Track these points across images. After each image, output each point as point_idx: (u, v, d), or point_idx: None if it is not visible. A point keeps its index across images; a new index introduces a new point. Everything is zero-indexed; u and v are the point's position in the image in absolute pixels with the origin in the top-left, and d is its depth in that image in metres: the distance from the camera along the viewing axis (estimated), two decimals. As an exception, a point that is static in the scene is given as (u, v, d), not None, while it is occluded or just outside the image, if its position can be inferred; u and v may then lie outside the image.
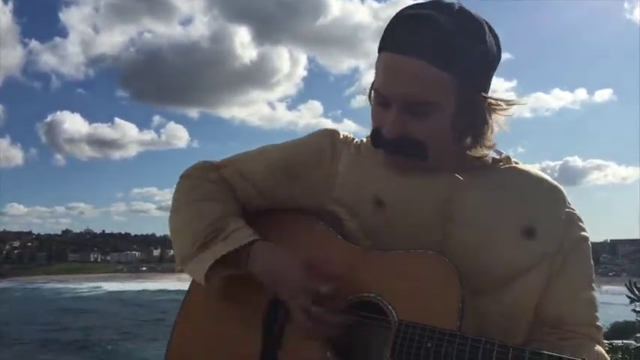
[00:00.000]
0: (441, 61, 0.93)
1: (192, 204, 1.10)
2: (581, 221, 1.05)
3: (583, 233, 1.04)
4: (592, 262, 1.05)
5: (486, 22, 0.99)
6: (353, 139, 1.13)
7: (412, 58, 0.94)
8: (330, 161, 1.09)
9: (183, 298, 1.16)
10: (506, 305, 0.98)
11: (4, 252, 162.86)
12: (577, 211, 1.05)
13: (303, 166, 1.10)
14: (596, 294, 1.03)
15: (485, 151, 1.03)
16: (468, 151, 1.03)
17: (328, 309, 0.95)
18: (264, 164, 1.13)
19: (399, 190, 1.03)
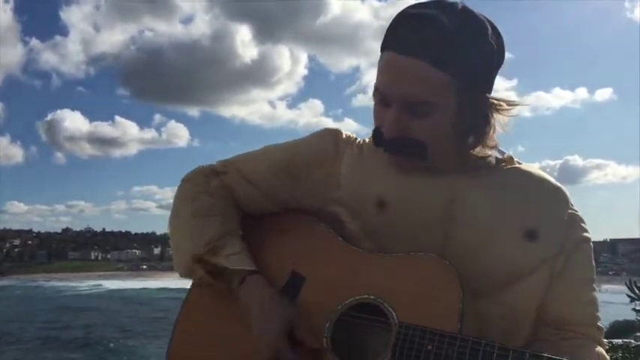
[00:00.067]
0: (442, 61, 0.93)
1: (192, 218, 1.11)
2: (584, 222, 1.05)
3: (585, 234, 1.04)
4: (593, 262, 1.05)
5: (490, 22, 0.98)
6: (355, 138, 1.12)
7: (413, 58, 0.93)
8: (332, 161, 1.09)
9: (185, 297, 1.16)
10: (507, 307, 0.98)
11: (5, 250, 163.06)
12: (579, 212, 1.05)
13: (306, 166, 1.10)
14: (598, 294, 1.04)
15: (488, 152, 1.03)
16: (470, 152, 1.03)
17: None
18: (266, 165, 1.13)
19: (402, 191, 1.02)
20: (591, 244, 1.05)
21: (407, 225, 1.00)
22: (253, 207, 1.14)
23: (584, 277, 1.03)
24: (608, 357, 0.99)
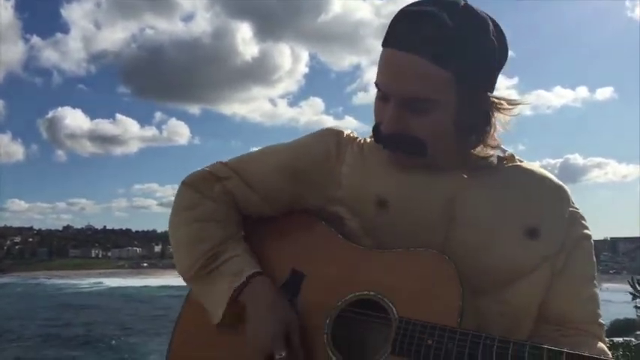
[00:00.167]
0: (442, 58, 0.92)
1: (194, 222, 1.10)
2: (585, 220, 1.05)
3: (586, 231, 1.04)
4: (594, 259, 1.05)
5: (492, 20, 0.98)
6: (356, 137, 1.12)
7: (411, 54, 0.93)
8: (334, 161, 1.08)
9: (186, 295, 1.16)
10: (507, 305, 0.98)
11: (5, 247, 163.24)
12: (580, 210, 1.05)
13: (308, 167, 1.09)
14: (598, 291, 1.04)
15: (490, 151, 1.03)
16: (472, 151, 1.02)
17: None
18: (267, 167, 1.12)
19: (403, 189, 1.02)
20: (592, 241, 1.05)
21: (407, 224, 1.00)
22: (252, 210, 1.14)
23: (585, 274, 1.03)
24: (609, 353, 0.98)
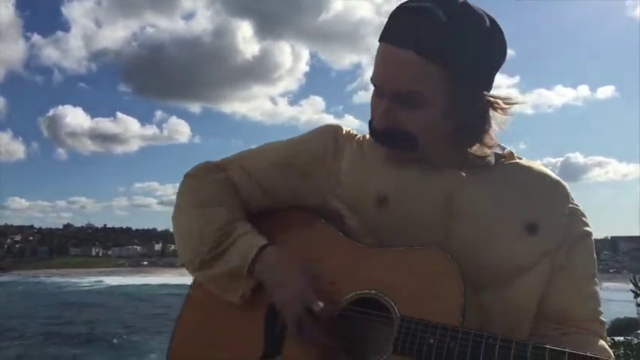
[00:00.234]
0: (431, 53, 0.92)
1: (199, 207, 1.10)
2: (585, 216, 1.05)
3: (586, 228, 1.04)
4: (595, 256, 1.05)
5: (490, 18, 0.97)
6: (355, 134, 1.12)
7: (402, 48, 0.94)
8: (332, 158, 1.09)
9: (187, 294, 1.16)
10: (508, 301, 0.97)
11: (6, 246, 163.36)
12: (580, 207, 1.05)
13: (307, 163, 1.10)
14: (599, 289, 1.03)
15: (487, 151, 1.02)
16: (469, 150, 1.02)
17: (317, 325, 0.94)
18: (267, 162, 1.13)
19: (402, 186, 1.02)
20: (592, 238, 1.04)
21: (407, 221, 1.00)
22: (254, 204, 1.14)
23: (585, 271, 1.02)
24: (611, 352, 0.98)
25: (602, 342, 0.99)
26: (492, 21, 0.97)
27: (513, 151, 1.07)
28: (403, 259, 0.96)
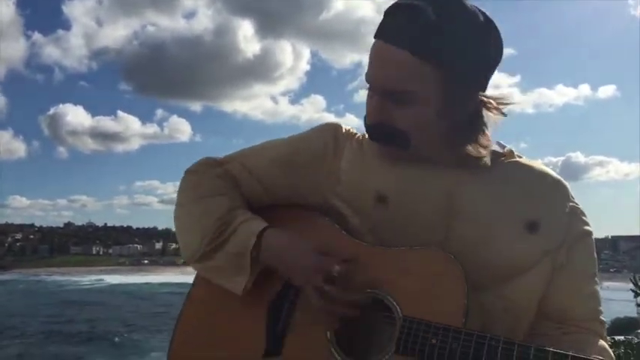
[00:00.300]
0: (422, 51, 0.92)
1: (200, 200, 1.10)
2: (585, 215, 1.05)
3: (586, 227, 1.04)
4: (595, 256, 1.05)
5: (487, 18, 0.96)
6: (355, 133, 1.12)
7: (392, 46, 0.94)
8: (332, 156, 1.09)
9: (188, 292, 1.16)
10: (509, 300, 0.97)
11: (7, 244, 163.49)
12: (580, 206, 1.04)
13: (307, 160, 1.10)
14: (600, 289, 1.03)
15: (482, 151, 1.01)
16: (466, 151, 1.01)
17: (342, 291, 0.95)
18: (268, 159, 1.13)
19: (402, 185, 1.02)
20: (593, 237, 1.04)
21: (407, 220, 1.00)
22: (253, 201, 1.14)
23: (586, 271, 1.02)
24: (611, 351, 0.98)
25: (602, 341, 0.99)
26: (487, 18, 0.97)
27: (513, 149, 1.07)
28: (406, 259, 0.96)
